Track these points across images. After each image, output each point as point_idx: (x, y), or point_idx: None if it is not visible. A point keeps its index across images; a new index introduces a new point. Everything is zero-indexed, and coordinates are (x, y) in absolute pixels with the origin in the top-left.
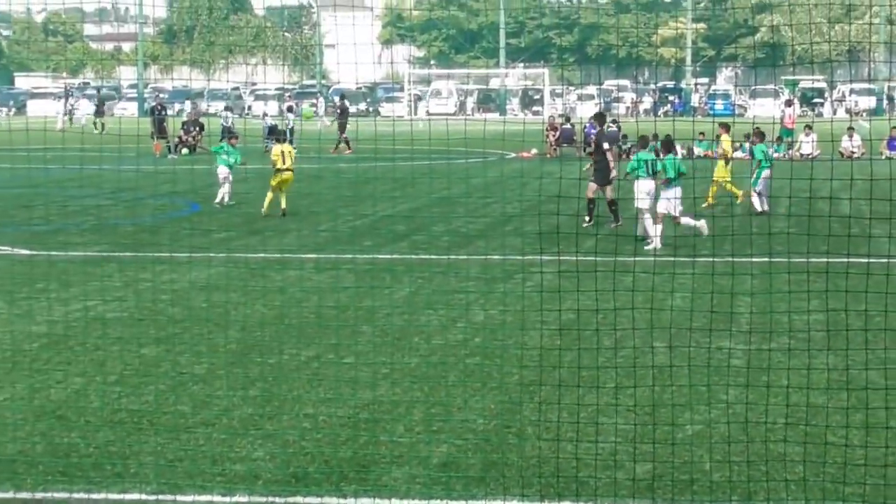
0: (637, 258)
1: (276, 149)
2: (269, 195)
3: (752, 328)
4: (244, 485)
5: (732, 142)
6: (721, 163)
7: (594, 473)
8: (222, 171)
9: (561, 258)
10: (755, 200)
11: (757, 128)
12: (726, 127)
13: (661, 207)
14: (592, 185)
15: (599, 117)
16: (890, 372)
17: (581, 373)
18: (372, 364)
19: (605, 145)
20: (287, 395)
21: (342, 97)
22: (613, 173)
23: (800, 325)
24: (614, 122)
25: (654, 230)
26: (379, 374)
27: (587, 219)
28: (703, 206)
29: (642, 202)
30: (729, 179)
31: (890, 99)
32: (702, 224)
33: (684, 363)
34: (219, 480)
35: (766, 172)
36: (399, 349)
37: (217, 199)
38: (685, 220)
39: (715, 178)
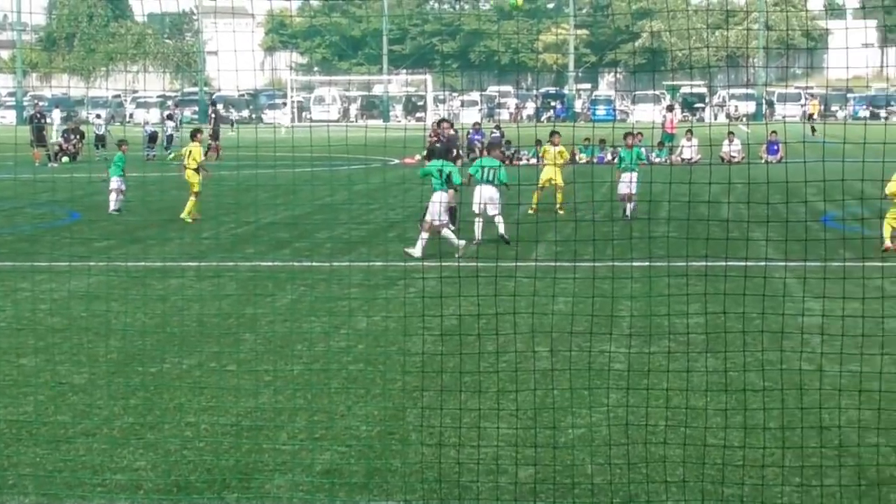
0: (519, 263)
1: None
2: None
3: (632, 332)
4: (125, 494)
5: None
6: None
7: (477, 478)
8: (115, 180)
9: (443, 264)
10: (628, 205)
11: (638, 133)
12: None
13: (481, 208)
14: (451, 192)
15: (441, 122)
16: (768, 373)
17: (464, 378)
18: (254, 372)
19: (454, 152)
20: (169, 404)
21: (213, 103)
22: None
23: (680, 328)
24: (497, 127)
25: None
26: (262, 381)
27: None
28: (530, 212)
29: (479, 205)
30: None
31: (769, 104)
32: (461, 244)
33: (566, 367)
34: (99, 490)
35: (626, 175)
36: (282, 357)
37: (112, 208)
38: (446, 232)
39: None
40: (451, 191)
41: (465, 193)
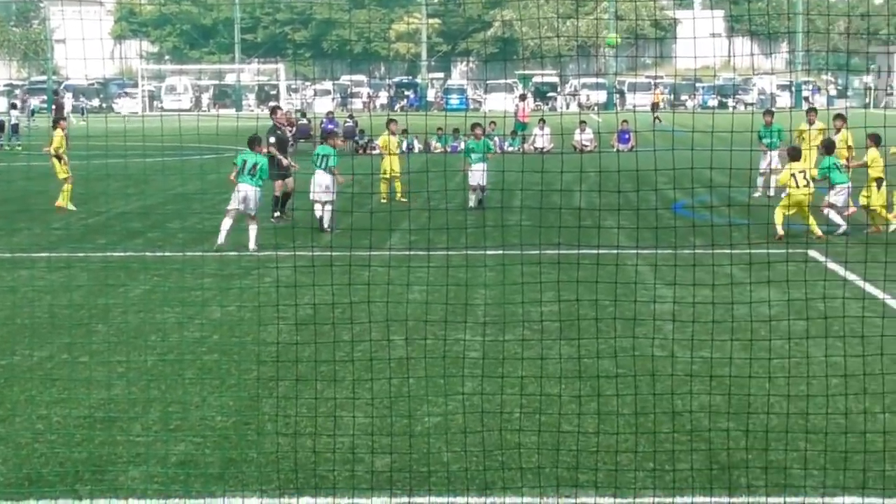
0: (374, 252)
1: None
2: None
3: (487, 320)
4: None
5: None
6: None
7: (333, 468)
8: None
9: (297, 253)
10: (472, 196)
11: (491, 122)
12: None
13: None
14: (278, 182)
15: (275, 110)
16: (621, 360)
17: (319, 367)
18: (107, 363)
19: (272, 139)
20: (19, 397)
21: (55, 92)
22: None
23: (534, 315)
24: (350, 117)
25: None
26: (114, 373)
27: (276, 215)
28: (382, 201)
29: (318, 195)
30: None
31: (620, 93)
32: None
33: (421, 355)
34: None
35: (477, 166)
36: (135, 347)
37: None
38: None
39: (385, 176)
40: (280, 181)
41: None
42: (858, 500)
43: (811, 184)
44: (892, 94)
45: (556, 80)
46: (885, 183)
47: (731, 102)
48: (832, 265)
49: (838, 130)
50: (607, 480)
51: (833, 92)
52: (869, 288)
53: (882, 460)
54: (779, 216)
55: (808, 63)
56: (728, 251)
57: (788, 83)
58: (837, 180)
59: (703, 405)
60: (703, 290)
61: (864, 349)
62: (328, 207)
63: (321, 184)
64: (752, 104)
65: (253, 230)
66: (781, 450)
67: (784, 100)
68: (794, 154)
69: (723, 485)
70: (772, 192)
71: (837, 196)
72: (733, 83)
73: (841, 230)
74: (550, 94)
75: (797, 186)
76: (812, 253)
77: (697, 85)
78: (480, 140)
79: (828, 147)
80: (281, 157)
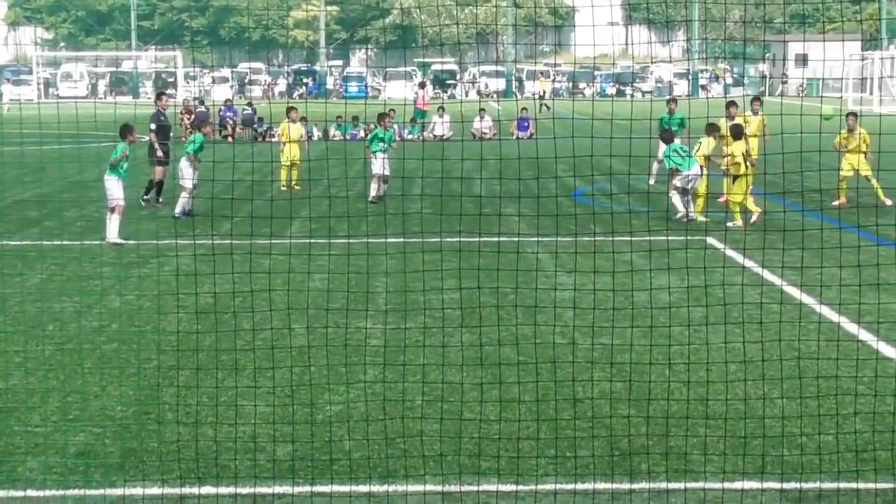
0: (274, 240)
1: None
2: None
3: (388, 308)
4: None
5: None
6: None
7: (235, 457)
8: None
9: (197, 242)
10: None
11: (391, 109)
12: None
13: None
14: (159, 168)
15: (159, 95)
16: (522, 347)
17: (220, 356)
18: (4, 353)
19: (152, 126)
20: None
21: None
22: (160, 154)
23: (435, 303)
24: (249, 104)
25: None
26: (12, 363)
27: (145, 198)
28: (283, 189)
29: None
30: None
31: (519, 80)
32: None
33: (323, 344)
34: None
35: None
36: (33, 337)
37: None
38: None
39: (286, 163)
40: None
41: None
42: (757, 484)
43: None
44: (787, 83)
45: (455, 67)
46: (746, 175)
47: (629, 91)
48: (731, 252)
49: (732, 118)
50: (509, 468)
51: (729, 80)
52: (767, 275)
53: (780, 445)
54: (738, 200)
55: (704, 51)
56: (628, 238)
57: (685, 71)
58: (682, 166)
59: (604, 392)
60: (604, 277)
61: (763, 335)
62: (184, 194)
63: (182, 169)
64: (649, 92)
65: (113, 222)
66: (681, 436)
67: (681, 88)
68: (737, 132)
69: (623, 471)
70: (677, 182)
71: (683, 181)
72: (631, 71)
73: (678, 215)
74: (450, 82)
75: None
76: (711, 240)
77: (596, 73)
78: (388, 129)
79: (735, 133)
80: (158, 144)
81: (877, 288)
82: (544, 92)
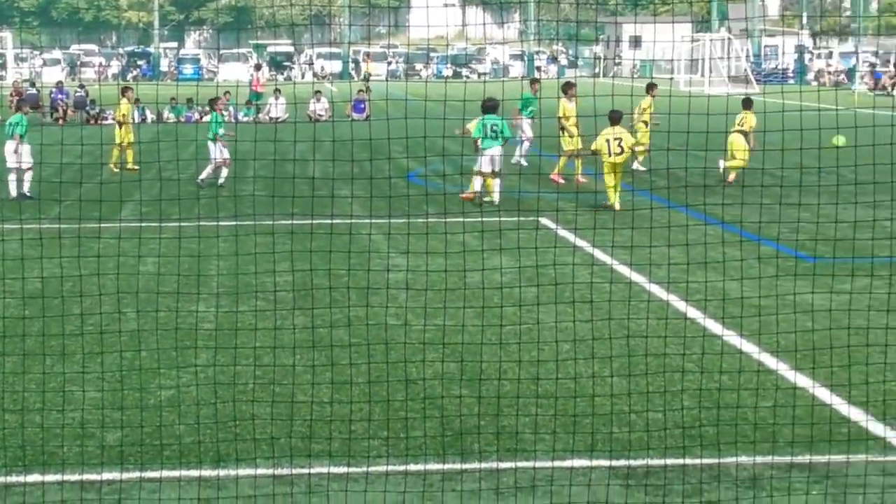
0: (104, 224)
1: None
2: None
3: (221, 291)
4: None
5: None
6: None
7: (62, 444)
8: None
9: (24, 226)
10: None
11: (226, 92)
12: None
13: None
14: None
15: None
16: (356, 329)
17: (48, 342)
18: None
19: None
20: None
21: None
22: None
23: (268, 286)
24: (81, 87)
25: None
26: None
27: None
28: (115, 171)
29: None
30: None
31: (355, 62)
32: None
33: (154, 328)
34: None
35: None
36: None
37: None
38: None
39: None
40: None
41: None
42: (587, 462)
43: (624, 151)
44: (620, 64)
45: (290, 49)
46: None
47: (465, 72)
48: (563, 232)
49: (570, 98)
50: (341, 449)
51: (564, 62)
52: (598, 254)
53: (610, 423)
54: (609, 182)
55: (539, 33)
56: (461, 220)
57: (521, 53)
58: (486, 144)
59: (437, 373)
60: (437, 258)
61: (593, 314)
62: (18, 176)
63: (7, 152)
64: (485, 74)
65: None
66: (513, 415)
67: (517, 69)
68: (615, 118)
69: (456, 451)
70: (524, 162)
71: (482, 159)
72: (466, 53)
73: (466, 193)
74: (286, 64)
75: (609, 154)
76: (543, 220)
77: (432, 55)
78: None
79: (613, 119)
80: None
81: (704, 266)
82: (369, 74)
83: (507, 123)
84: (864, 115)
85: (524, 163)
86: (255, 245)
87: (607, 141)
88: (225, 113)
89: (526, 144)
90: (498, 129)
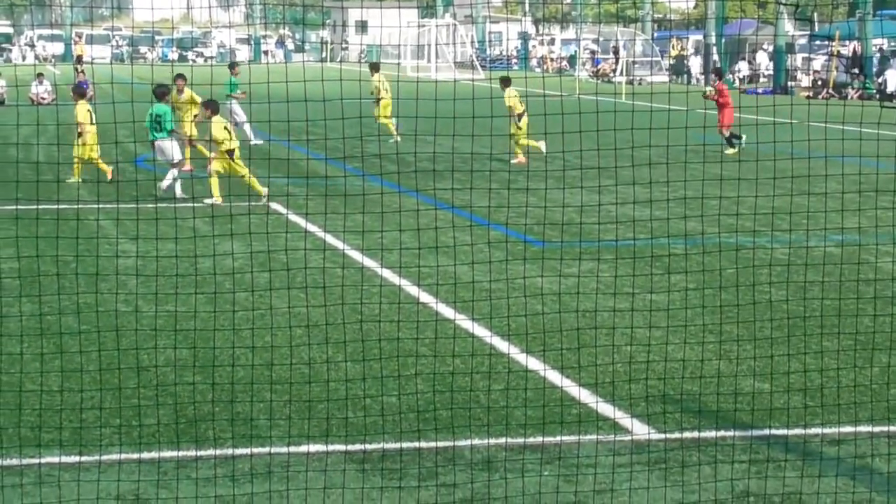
0: None
1: None
2: None
3: None
4: None
5: None
6: None
7: None
8: None
9: None
10: None
11: None
12: None
13: None
14: None
15: None
16: (85, 316)
17: None
18: None
19: None
20: None
21: None
22: None
23: None
24: None
25: None
26: None
27: None
28: None
29: None
30: None
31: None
32: None
33: None
34: None
35: None
36: None
37: None
38: None
39: None
40: None
41: None
42: (322, 447)
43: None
44: (347, 49)
45: (10, 30)
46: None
47: (191, 55)
48: (294, 217)
49: (180, 90)
50: (73, 439)
51: (291, 46)
52: (330, 239)
53: (345, 407)
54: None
55: (265, 17)
56: (191, 205)
57: (248, 37)
58: (154, 134)
59: (169, 360)
60: (167, 244)
61: (326, 299)
62: None
63: None
64: (212, 57)
65: None
66: (247, 401)
67: (244, 53)
68: (213, 107)
69: (190, 438)
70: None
71: (160, 153)
72: (192, 36)
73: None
74: (5, 46)
75: (230, 138)
76: (274, 206)
77: (157, 38)
78: None
79: (210, 107)
80: None
81: (436, 251)
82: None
83: (168, 114)
84: (586, 101)
85: (259, 141)
86: None
87: (226, 127)
88: None
89: (247, 127)
90: (162, 120)
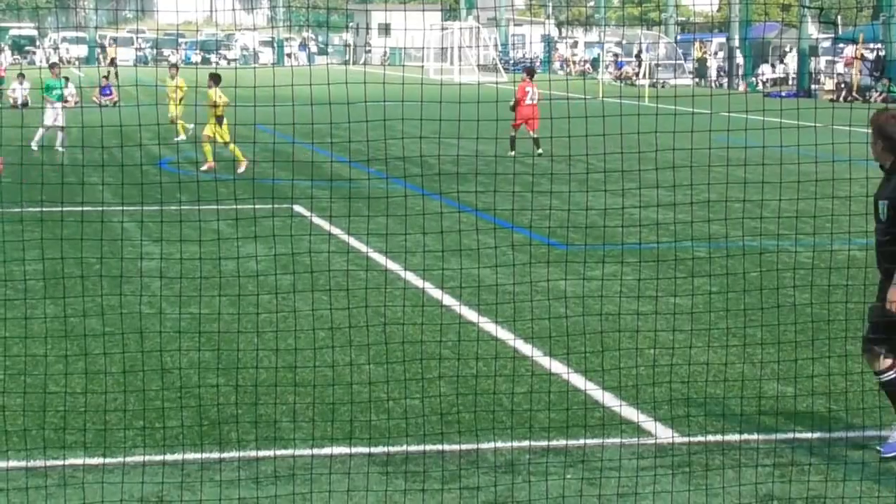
0: None
1: None
2: None
3: None
4: None
5: None
6: None
7: None
8: None
9: None
10: None
11: None
12: None
13: None
14: None
15: None
16: (109, 318)
17: None
18: None
19: None
20: None
21: None
22: None
23: (17, 275)
24: None
25: None
26: None
27: None
28: None
29: None
30: None
31: (102, 47)
32: None
33: None
34: None
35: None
36: None
37: None
38: None
39: None
40: None
41: None
42: (346, 449)
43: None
44: (370, 52)
45: (34, 33)
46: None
47: (213, 58)
48: (317, 220)
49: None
50: (96, 440)
51: (314, 49)
52: (353, 242)
53: (368, 410)
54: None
55: (289, 20)
56: (214, 207)
57: (271, 39)
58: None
59: (193, 362)
60: (191, 246)
61: (349, 302)
62: None
63: None
64: (235, 60)
65: None
66: (271, 404)
67: (267, 56)
68: (216, 79)
69: (213, 440)
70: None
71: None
72: (216, 39)
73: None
74: (28, 48)
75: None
76: (297, 208)
77: (181, 40)
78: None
79: (213, 78)
80: None
81: (459, 254)
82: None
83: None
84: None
85: (61, 149)
86: (2, 233)
87: None
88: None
89: (60, 134)
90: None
